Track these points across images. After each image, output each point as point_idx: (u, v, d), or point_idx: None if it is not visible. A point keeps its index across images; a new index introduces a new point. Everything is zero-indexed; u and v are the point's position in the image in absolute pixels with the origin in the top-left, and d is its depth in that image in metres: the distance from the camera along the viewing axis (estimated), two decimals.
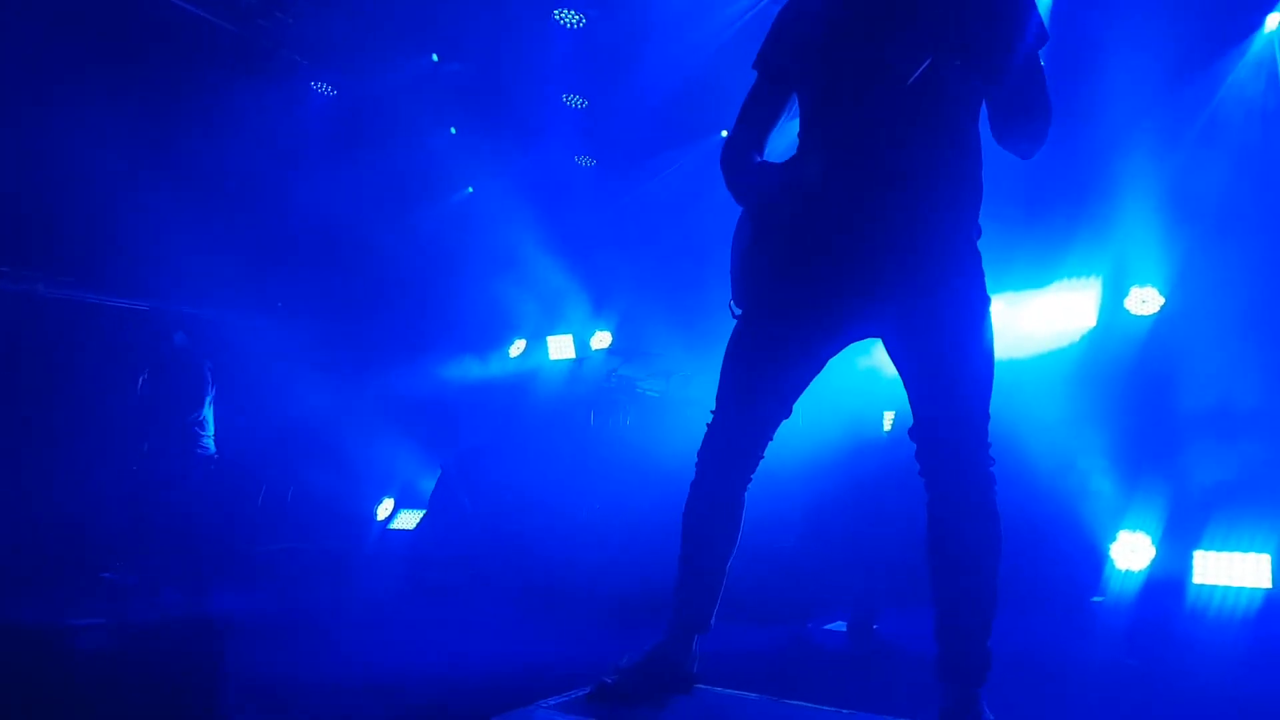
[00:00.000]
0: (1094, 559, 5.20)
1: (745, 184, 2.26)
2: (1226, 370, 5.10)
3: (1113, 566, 5.14)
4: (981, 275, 2.20)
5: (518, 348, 8.99)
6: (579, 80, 8.09)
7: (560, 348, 8.52)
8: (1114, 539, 5.18)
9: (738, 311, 2.31)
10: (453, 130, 8.83)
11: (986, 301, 2.18)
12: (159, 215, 7.57)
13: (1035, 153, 2.15)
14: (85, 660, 3.49)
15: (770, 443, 2.37)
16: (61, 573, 6.29)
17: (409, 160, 8.96)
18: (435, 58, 7.97)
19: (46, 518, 6.73)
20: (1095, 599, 5.13)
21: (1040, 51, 2.09)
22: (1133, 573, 5.08)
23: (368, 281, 8.89)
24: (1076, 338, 5.77)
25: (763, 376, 2.24)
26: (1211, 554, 4.85)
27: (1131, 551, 5.12)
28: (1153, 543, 5.10)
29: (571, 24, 7.43)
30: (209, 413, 6.73)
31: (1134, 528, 5.15)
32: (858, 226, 2.11)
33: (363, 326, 8.44)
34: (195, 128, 7.81)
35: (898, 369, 2.21)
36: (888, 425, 5.79)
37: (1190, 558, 4.89)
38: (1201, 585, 4.80)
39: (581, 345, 8.36)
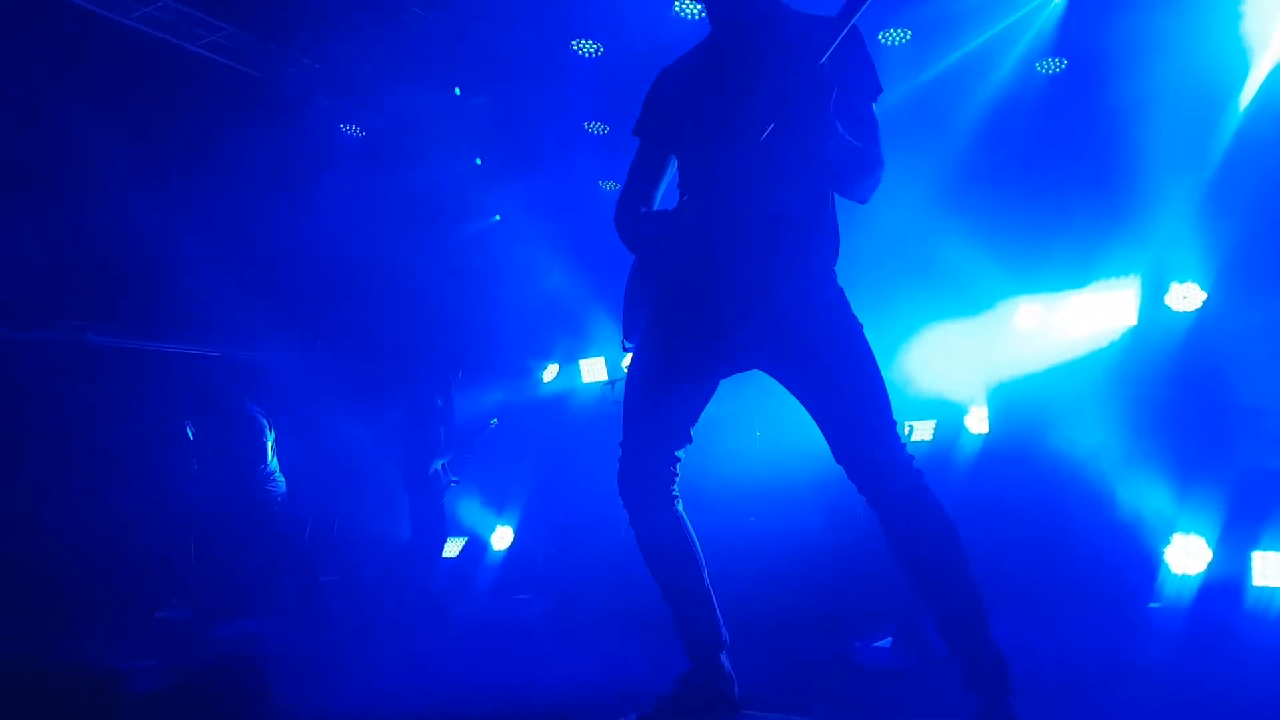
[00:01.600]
0: (1148, 564, 4.98)
1: (632, 233, 2.51)
2: (1275, 364, 4.88)
3: (1168, 571, 4.92)
4: (847, 303, 2.33)
5: (551, 372, 8.96)
6: (599, 108, 8.08)
7: (593, 370, 8.48)
8: (1168, 542, 4.96)
9: (629, 346, 2.51)
10: (478, 161, 8.85)
11: (857, 323, 2.31)
12: (198, 262, 7.69)
13: (868, 199, 2.30)
14: (135, 702, 3.42)
15: (679, 464, 2.47)
16: (116, 611, 6.32)
17: (437, 193, 9.07)
18: (458, 91, 7.99)
19: (99, 555, 6.75)
20: (1152, 605, 4.91)
21: (873, 106, 2.29)
22: (1189, 576, 4.86)
23: (402, 314, 8.93)
24: (1117, 337, 5.58)
25: (655, 405, 2.41)
26: (1271, 554, 4.62)
27: (1186, 555, 4.90)
28: (1208, 545, 4.88)
29: (589, 54, 7.42)
30: (273, 459, 6.78)
31: (1188, 530, 4.93)
32: (727, 268, 2.29)
33: (400, 358, 8.45)
34: (227, 174, 7.89)
35: (797, 398, 2.32)
36: (915, 435, 5.67)
37: (1249, 559, 4.66)
38: (1262, 587, 4.56)
39: (614, 367, 8.29)
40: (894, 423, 2.23)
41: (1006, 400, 5.72)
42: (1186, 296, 5.45)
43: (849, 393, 2.20)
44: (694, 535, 2.49)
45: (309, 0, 6.88)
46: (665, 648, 5.04)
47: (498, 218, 9.64)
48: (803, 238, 2.27)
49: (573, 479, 7.76)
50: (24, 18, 6.34)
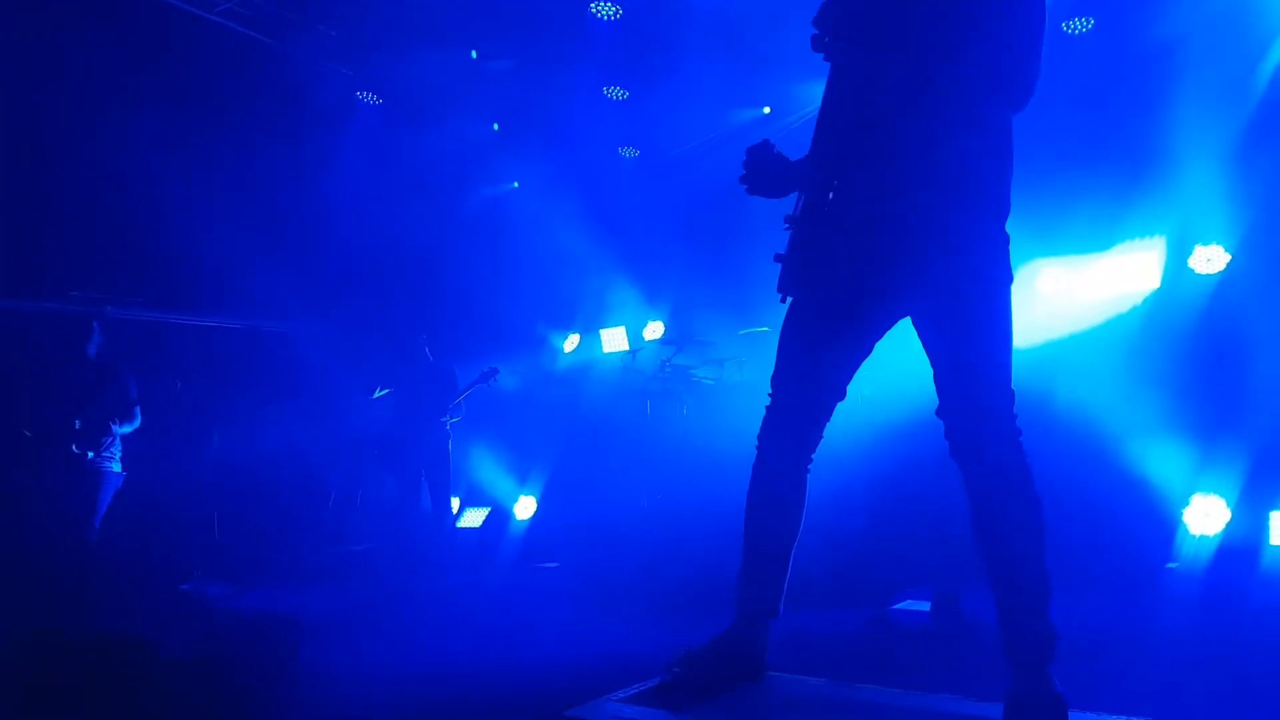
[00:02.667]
0: (1167, 525, 5.11)
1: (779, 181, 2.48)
2: None
3: (1186, 532, 5.04)
4: (1005, 256, 2.31)
5: (571, 342, 9.10)
6: (619, 72, 8.13)
7: (613, 340, 8.60)
8: (1187, 504, 5.08)
9: (786, 300, 2.46)
10: (495, 126, 8.93)
11: (1007, 281, 2.30)
12: (220, 233, 7.83)
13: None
14: (169, 669, 3.57)
15: (828, 423, 2.47)
16: (140, 585, 6.47)
17: (455, 159, 9.13)
18: (474, 55, 8.06)
19: (120, 529, 6.86)
20: (1170, 565, 5.05)
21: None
22: (1207, 537, 4.98)
23: (421, 283, 9.07)
24: (1140, 300, 5.66)
25: (815, 359, 2.39)
26: None
27: (1205, 516, 5.02)
28: (1228, 505, 4.99)
29: (608, 16, 7.46)
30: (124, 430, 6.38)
31: (1208, 491, 5.05)
32: (887, 221, 2.28)
33: (420, 329, 8.62)
34: (244, 144, 8.02)
35: (926, 350, 2.34)
36: None
37: (1267, 519, 4.78)
38: (1278, 547, 4.69)
39: (635, 337, 8.42)
40: (1011, 393, 2.25)
41: (1027, 364, 5.80)
42: (1210, 259, 5.51)
43: (982, 370, 2.24)
44: (805, 508, 2.51)
45: None
46: (684, 617, 5.26)
47: (516, 184, 9.73)
48: (965, 186, 2.26)
49: (594, 449, 7.91)
50: None
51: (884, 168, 2.27)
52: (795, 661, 2.65)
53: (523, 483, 8.39)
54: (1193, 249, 5.57)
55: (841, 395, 2.47)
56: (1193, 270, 5.57)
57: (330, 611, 6.10)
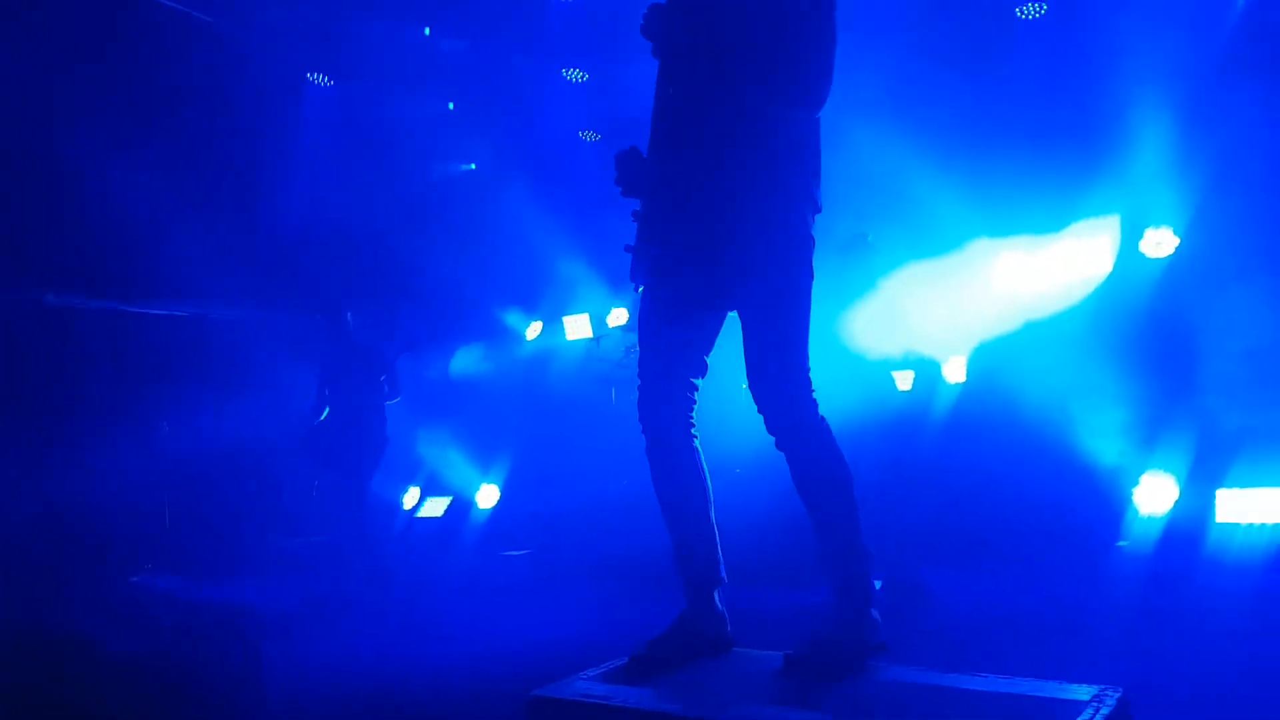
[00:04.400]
0: (1117, 505, 5.37)
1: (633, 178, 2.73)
2: (1246, 308, 5.22)
3: (1135, 512, 5.31)
4: (803, 255, 2.53)
5: (534, 330, 9.16)
6: (578, 54, 8.18)
7: (577, 327, 8.67)
8: (1137, 484, 5.35)
9: (639, 288, 2.75)
10: (450, 106, 8.93)
11: (805, 276, 2.52)
12: (169, 221, 7.78)
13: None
14: (120, 668, 3.56)
15: (696, 393, 2.69)
16: (92, 579, 6.45)
17: (409, 141, 9.11)
18: (428, 31, 8.07)
19: (67, 523, 6.78)
20: (1120, 544, 5.32)
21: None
22: (1155, 517, 5.25)
23: (377, 270, 9.05)
24: (1093, 286, 5.89)
25: (670, 337, 2.64)
26: (1234, 492, 5.01)
27: (1154, 495, 5.29)
28: (1177, 483, 5.27)
29: None
30: None
31: (1157, 470, 5.32)
32: (699, 214, 2.55)
33: (376, 316, 8.62)
34: (191, 127, 7.96)
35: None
36: (902, 385, 5.95)
37: (1213, 497, 5.05)
38: (1224, 524, 4.96)
39: (598, 323, 8.50)
40: (807, 383, 2.49)
41: (985, 351, 6.03)
42: (1160, 243, 5.76)
43: (766, 345, 2.49)
44: (706, 468, 2.69)
45: None
46: (651, 601, 5.40)
47: (472, 166, 9.73)
48: (757, 187, 2.49)
49: (558, 437, 8.00)
50: None
51: (691, 166, 2.53)
52: (756, 637, 2.78)
53: (485, 471, 8.46)
54: (1144, 232, 5.81)
55: (702, 370, 2.69)
56: (1143, 254, 5.82)
57: (288, 604, 6.14)
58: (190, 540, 7.56)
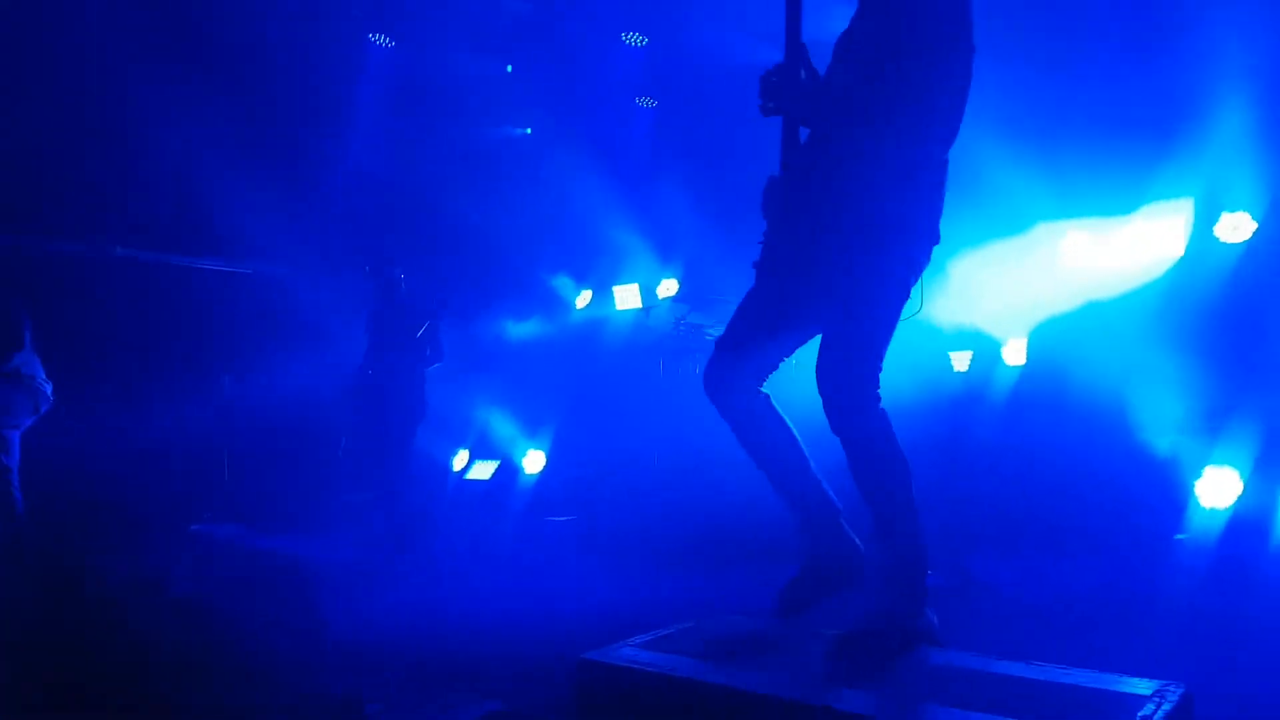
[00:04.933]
0: (1179, 496, 5.24)
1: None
2: None
3: (1197, 504, 5.17)
4: (896, 275, 2.68)
5: (584, 299, 9.16)
6: (637, 17, 8.09)
7: (626, 298, 8.65)
8: (1200, 476, 5.21)
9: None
10: (509, 69, 8.90)
11: (892, 289, 2.67)
12: (232, 179, 7.90)
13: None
14: (179, 608, 3.72)
15: (764, 377, 2.83)
16: (153, 526, 6.62)
17: (467, 102, 9.15)
18: None
19: (128, 471, 6.98)
20: (1178, 536, 5.18)
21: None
22: (1218, 510, 5.11)
23: (432, 232, 9.10)
24: (1164, 268, 5.72)
25: (762, 322, 2.80)
26: None
27: (1216, 488, 5.14)
28: (1241, 478, 5.11)
29: None
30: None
31: (1222, 464, 5.16)
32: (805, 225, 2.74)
33: (425, 278, 8.69)
34: (257, 86, 8.04)
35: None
36: (959, 365, 5.87)
37: (1278, 494, 4.90)
38: None
39: (648, 294, 8.48)
40: (863, 386, 2.62)
41: (1046, 332, 5.90)
42: (1237, 227, 5.55)
43: (834, 347, 2.64)
44: (786, 417, 2.82)
45: None
46: (694, 570, 5.44)
47: (528, 130, 9.72)
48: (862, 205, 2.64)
49: (606, 406, 8.02)
50: None
51: (816, 191, 2.70)
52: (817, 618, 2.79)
53: (532, 437, 8.52)
54: (1219, 215, 5.61)
55: (774, 369, 2.85)
56: (1218, 239, 5.62)
57: (343, 558, 6.23)
58: (251, 492, 7.74)
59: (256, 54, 7.96)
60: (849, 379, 2.60)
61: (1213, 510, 5.12)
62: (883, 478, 2.61)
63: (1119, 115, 6.02)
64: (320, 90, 8.55)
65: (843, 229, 2.62)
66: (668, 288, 8.49)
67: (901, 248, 2.67)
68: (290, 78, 8.25)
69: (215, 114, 7.74)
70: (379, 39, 8.69)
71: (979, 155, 6.06)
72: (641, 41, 8.46)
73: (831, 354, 2.62)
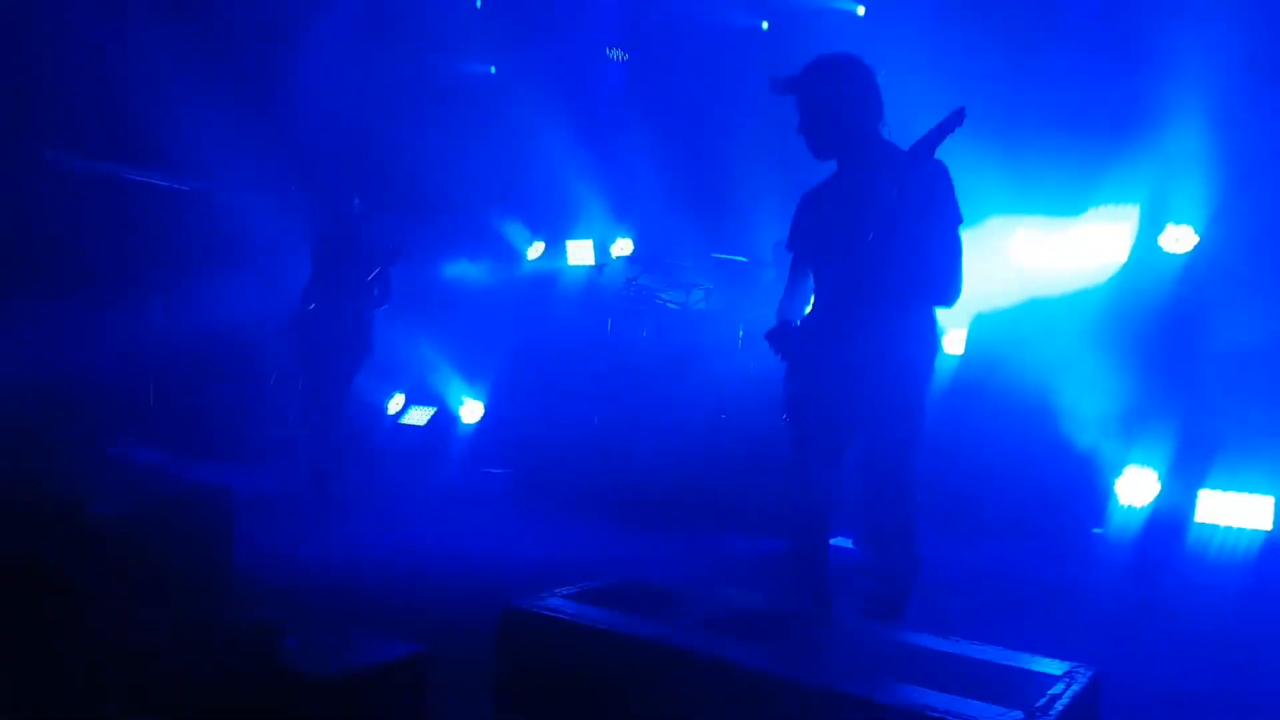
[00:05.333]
0: (1099, 493, 5.40)
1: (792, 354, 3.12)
2: (1254, 313, 5.20)
3: (1116, 501, 5.35)
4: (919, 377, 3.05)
5: (536, 250, 9.05)
6: None
7: (580, 253, 8.57)
8: (1120, 474, 5.38)
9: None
10: (478, 3, 8.68)
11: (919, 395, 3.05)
12: (176, 91, 7.60)
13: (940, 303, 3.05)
14: (102, 528, 3.60)
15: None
16: (72, 447, 6.42)
17: (430, 37, 8.88)
18: None
19: (53, 388, 6.72)
20: (1095, 530, 5.36)
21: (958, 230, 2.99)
22: (1135, 509, 5.29)
23: (383, 164, 8.86)
24: (1108, 274, 5.85)
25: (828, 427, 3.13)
26: (1216, 493, 5.05)
27: (1136, 487, 5.32)
28: (1159, 479, 5.29)
29: None
30: None
31: (1143, 464, 5.34)
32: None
33: (376, 215, 8.49)
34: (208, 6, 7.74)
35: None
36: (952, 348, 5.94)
37: (1194, 496, 5.09)
38: (1203, 524, 5.00)
39: (602, 251, 8.40)
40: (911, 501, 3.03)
41: (986, 324, 6.01)
42: (1179, 239, 5.70)
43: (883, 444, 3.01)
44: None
45: None
46: (625, 530, 5.47)
47: (492, 69, 9.51)
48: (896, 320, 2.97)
49: (549, 360, 7.95)
50: None
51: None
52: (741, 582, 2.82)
53: (471, 386, 8.44)
54: (1164, 226, 5.75)
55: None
56: (1161, 248, 5.76)
57: (267, 492, 6.14)
58: (177, 418, 7.53)
59: None
60: (900, 498, 3.01)
61: (1130, 509, 5.30)
62: (898, 569, 3.05)
63: (1077, 116, 6.10)
64: (278, 14, 8.26)
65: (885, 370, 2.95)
66: (622, 247, 8.43)
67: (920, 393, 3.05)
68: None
69: (163, 19, 7.43)
70: None
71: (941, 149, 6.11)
72: None
73: (881, 474, 3.00)
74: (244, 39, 7.96)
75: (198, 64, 7.64)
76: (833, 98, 3.04)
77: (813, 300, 3.22)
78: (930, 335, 3.04)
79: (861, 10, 7.51)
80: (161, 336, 7.79)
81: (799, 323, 3.18)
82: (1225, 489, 5.04)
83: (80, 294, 7.35)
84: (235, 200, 8.60)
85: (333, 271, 6.10)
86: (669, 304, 7.43)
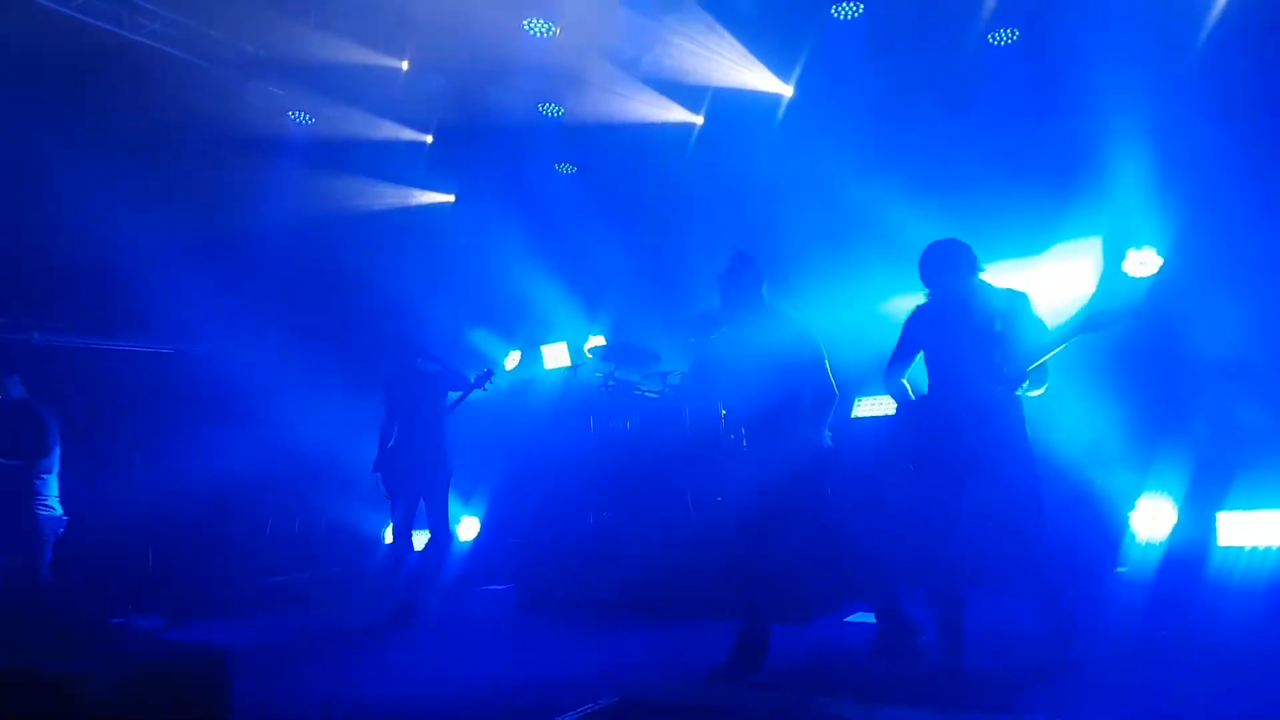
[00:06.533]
0: (1114, 530, 4.99)
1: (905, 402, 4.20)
2: (1233, 327, 4.90)
3: (1133, 536, 4.92)
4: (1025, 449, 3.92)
5: (513, 359, 8.79)
6: (553, 89, 7.94)
7: (555, 356, 8.35)
8: (1134, 507, 4.97)
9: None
10: (429, 139, 8.66)
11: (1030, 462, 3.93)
12: (147, 256, 7.44)
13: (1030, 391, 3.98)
14: (89, 706, 3.24)
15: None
16: (71, 618, 6.04)
17: (389, 177, 8.88)
18: (405, 66, 7.79)
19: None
20: (1119, 570, 4.92)
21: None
22: (1154, 542, 4.86)
23: (356, 303, 8.73)
24: (1077, 306, 5.55)
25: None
26: (1235, 514, 4.63)
27: (1153, 519, 4.90)
28: (1175, 506, 4.88)
29: (541, 34, 7.24)
30: (54, 468, 5.91)
31: (1154, 493, 4.94)
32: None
33: (355, 349, 8.24)
34: (174, 165, 7.64)
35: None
36: (876, 409, 5.66)
37: (1213, 520, 4.67)
38: (1227, 548, 4.58)
39: (576, 352, 8.16)
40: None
41: None
42: (1144, 262, 5.45)
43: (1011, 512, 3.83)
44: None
45: None
46: (631, 634, 5.03)
47: (453, 198, 9.45)
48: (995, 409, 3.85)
49: (538, 467, 7.63)
50: None
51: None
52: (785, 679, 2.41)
53: (465, 503, 8.04)
54: (1125, 252, 5.51)
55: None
56: (1127, 274, 5.50)
57: (268, 642, 5.84)
58: (171, 580, 7.17)
59: (180, 133, 7.56)
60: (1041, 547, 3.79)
61: (1149, 543, 4.88)
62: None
63: (1021, 163, 5.98)
64: (244, 168, 8.15)
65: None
66: (596, 344, 8.19)
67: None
68: (214, 157, 7.85)
69: (139, 198, 7.29)
70: (299, 116, 8.33)
71: (888, 209, 5.94)
72: (558, 112, 8.28)
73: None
74: (205, 197, 7.83)
75: (168, 231, 7.51)
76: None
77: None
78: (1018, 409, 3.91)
79: (789, 92, 7.42)
80: (155, 501, 7.41)
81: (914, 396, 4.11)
82: (1244, 509, 4.62)
83: (78, 465, 7.01)
84: (216, 356, 8.41)
85: (408, 410, 6.29)
86: (648, 394, 7.10)
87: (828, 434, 4.16)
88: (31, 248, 7.26)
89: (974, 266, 4.09)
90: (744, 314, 4.27)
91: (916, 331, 4.18)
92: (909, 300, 5.93)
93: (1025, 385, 3.84)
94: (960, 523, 3.79)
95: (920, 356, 4.17)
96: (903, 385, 4.17)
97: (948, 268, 4.07)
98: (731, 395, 4.33)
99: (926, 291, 4.15)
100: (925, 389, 4.14)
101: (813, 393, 4.12)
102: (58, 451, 5.87)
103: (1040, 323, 3.89)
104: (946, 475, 3.83)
